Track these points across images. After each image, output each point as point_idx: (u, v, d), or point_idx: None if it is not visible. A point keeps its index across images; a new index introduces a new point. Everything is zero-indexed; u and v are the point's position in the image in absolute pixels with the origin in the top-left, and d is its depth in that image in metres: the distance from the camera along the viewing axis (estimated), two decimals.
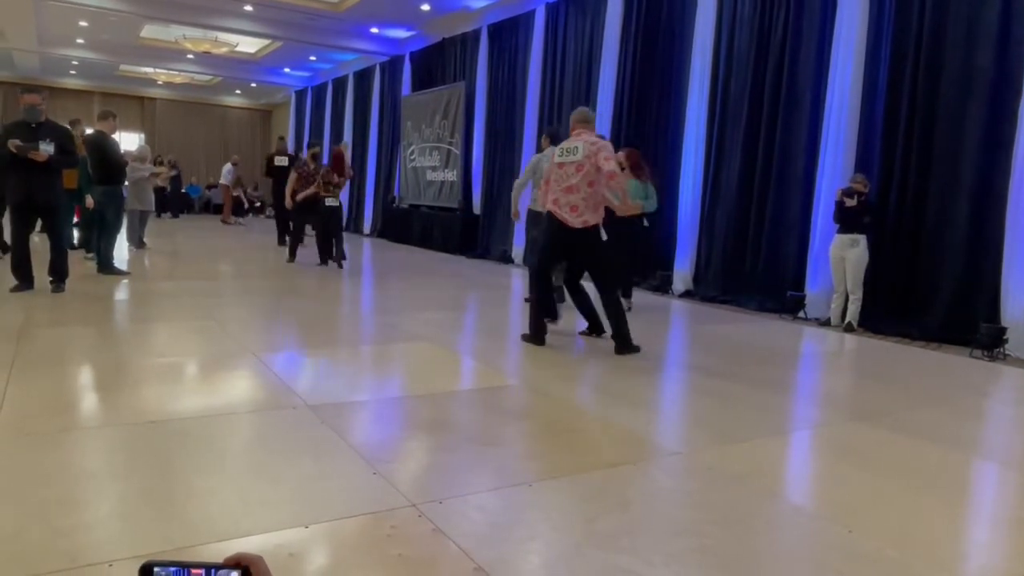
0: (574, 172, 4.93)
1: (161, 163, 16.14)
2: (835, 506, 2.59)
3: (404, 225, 14.23)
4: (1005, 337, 5.48)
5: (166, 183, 16.64)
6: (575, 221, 4.92)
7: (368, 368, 4.53)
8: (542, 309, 5.23)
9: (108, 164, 7.73)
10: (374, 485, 2.51)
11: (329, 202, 9.24)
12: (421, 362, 4.63)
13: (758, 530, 2.35)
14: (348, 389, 3.92)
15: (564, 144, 5.10)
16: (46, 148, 5.94)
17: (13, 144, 5.81)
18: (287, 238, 11.57)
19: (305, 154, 10.39)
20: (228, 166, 17.69)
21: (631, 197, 6.50)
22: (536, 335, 5.09)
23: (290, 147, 17.05)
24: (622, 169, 6.61)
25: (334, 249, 9.32)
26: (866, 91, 6.63)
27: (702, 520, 2.37)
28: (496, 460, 2.86)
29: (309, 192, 9.34)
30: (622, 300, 6.32)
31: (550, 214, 5.06)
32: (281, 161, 12.23)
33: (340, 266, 9.23)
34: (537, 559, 2.08)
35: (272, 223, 13.42)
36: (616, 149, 9.53)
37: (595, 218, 4.97)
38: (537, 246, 5.37)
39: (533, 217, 6.71)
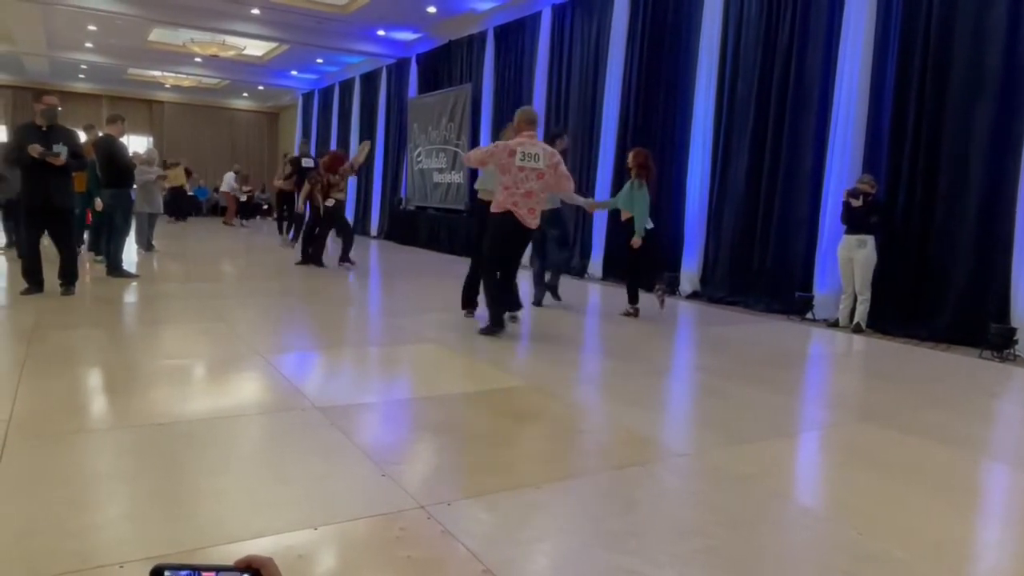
0: (535, 179, 5.19)
1: (186, 170, 16.64)
2: (843, 507, 2.58)
3: (411, 227, 14.26)
4: (1015, 338, 5.44)
5: (188, 186, 17.12)
6: (532, 223, 5.29)
7: (376, 370, 4.54)
8: (499, 301, 5.39)
9: (117, 167, 7.78)
10: (383, 487, 2.51)
11: (328, 202, 9.31)
12: (428, 364, 4.64)
13: (765, 531, 2.35)
14: (356, 391, 3.93)
15: (524, 148, 5.21)
16: (60, 151, 6.00)
17: (34, 150, 5.86)
18: (288, 230, 12.10)
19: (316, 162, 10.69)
20: (231, 175, 18.40)
21: (622, 205, 6.52)
22: (497, 324, 5.29)
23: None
24: (628, 170, 6.62)
25: (338, 248, 9.44)
26: (873, 90, 6.61)
27: (709, 521, 2.36)
28: (504, 461, 2.86)
29: (311, 196, 9.45)
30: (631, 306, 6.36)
31: (510, 215, 5.19)
32: (308, 163, 12.41)
33: (351, 262, 9.37)
34: (545, 560, 2.08)
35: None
36: (624, 150, 9.57)
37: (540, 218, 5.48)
38: (490, 244, 5.46)
39: (547, 216, 6.78)
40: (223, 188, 18.61)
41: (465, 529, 2.21)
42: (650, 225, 6.47)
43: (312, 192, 9.47)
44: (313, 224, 9.60)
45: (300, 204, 10.05)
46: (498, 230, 5.32)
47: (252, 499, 2.37)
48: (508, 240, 5.33)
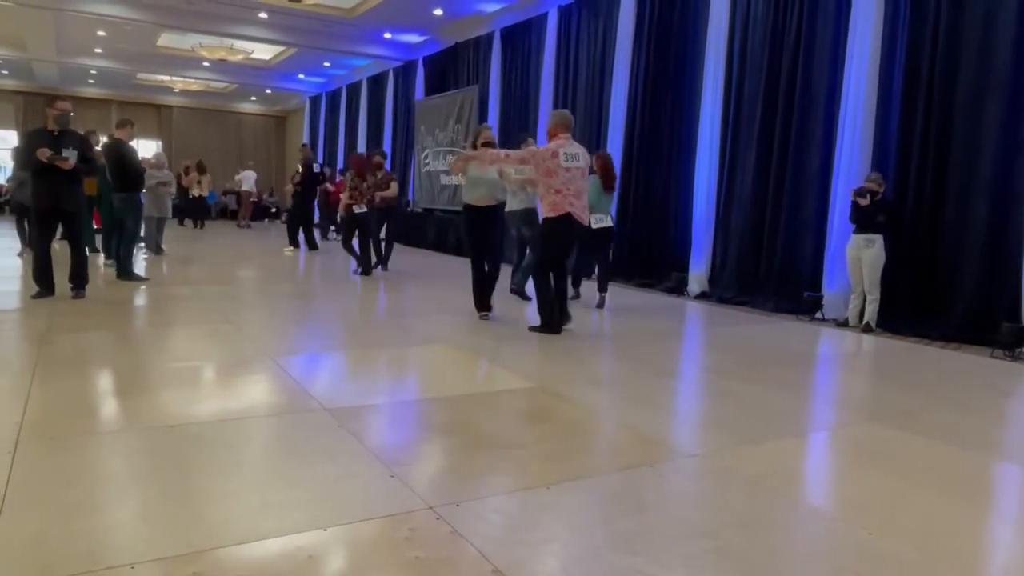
0: (579, 177, 5.44)
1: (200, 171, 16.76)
2: (854, 508, 2.57)
3: (418, 229, 14.28)
4: None
5: (205, 192, 17.18)
6: (587, 219, 5.57)
7: (385, 371, 4.55)
8: (552, 304, 5.58)
9: (126, 171, 7.82)
10: (391, 488, 2.52)
11: (356, 209, 9.20)
12: (438, 365, 4.65)
13: (776, 532, 2.34)
14: (365, 392, 3.93)
15: (565, 149, 5.39)
16: (69, 156, 6.04)
17: (43, 154, 5.90)
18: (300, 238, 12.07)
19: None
20: (251, 173, 18.48)
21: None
22: (552, 326, 5.49)
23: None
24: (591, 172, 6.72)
25: (372, 255, 9.36)
26: (881, 89, 6.58)
27: (719, 522, 2.36)
28: (513, 462, 2.86)
29: (345, 201, 9.36)
30: (572, 289, 6.77)
31: (569, 216, 5.37)
32: (317, 168, 12.43)
33: (385, 268, 9.50)
34: (554, 561, 2.08)
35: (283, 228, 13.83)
36: (631, 151, 9.55)
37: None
38: (548, 246, 5.64)
39: (523, 215, 6.93)
40: (244, 187, 18.45)
41: (474, 530, 2.21)
42: (607, 223, 6.98)
43: (349, 199, 9.33)
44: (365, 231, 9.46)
45: (342, 210, 9.78)
46: (558, 233, 5.49)
47: (262, 500, 2.38)
48: (569, 241, 5.61)
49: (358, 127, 17.55)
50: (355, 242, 9.37)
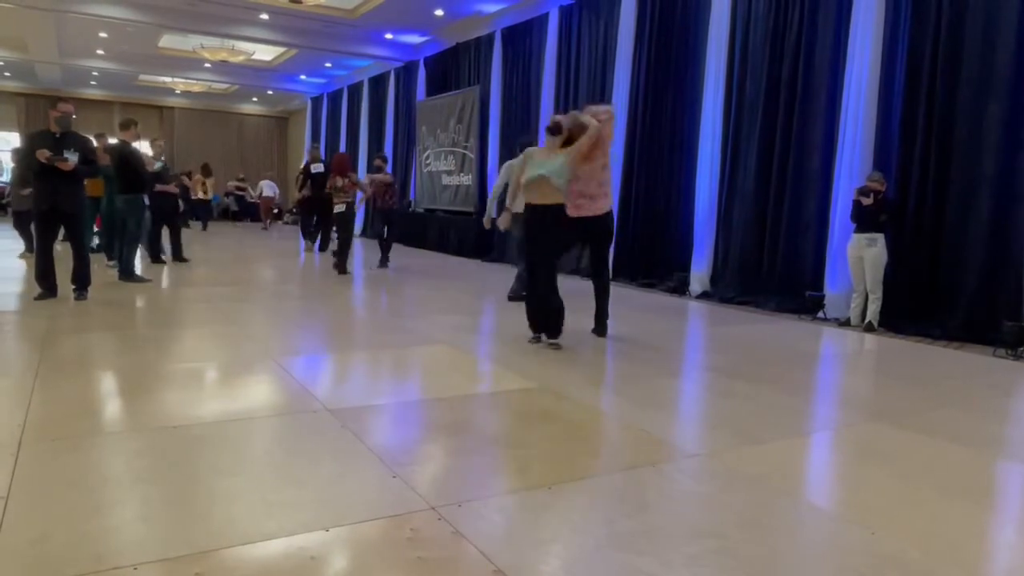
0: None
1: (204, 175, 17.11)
2: (857, 507, 2.57)
3: (420, 229, 14.29)
4: None
5: (208, 194, 17.46)
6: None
7: (387, 372, 4.55)
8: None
9: (130, 173, 7.82)
10: (394, 488, 2.52)
11: (336, 208, 9.11)
12: (440, 365, 4.65)
13: (778, 532, 2.34)
14: (367, 393, 3.94)
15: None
16: (71, 157, 6.05)
17: (42, 154, 5.91)
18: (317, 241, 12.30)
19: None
20: (271, 182, 19.37)
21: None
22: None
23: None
24: None
25: (336, 256, 9.13)
26: (883, 89, 6.57)
27: (722, 522, 2.35)
28: (515, 463, 2.87)
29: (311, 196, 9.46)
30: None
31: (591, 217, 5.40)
32: (317, 168, 12.33)
33: (344, 272, 9.02)
34: (557, 561, 2.08)
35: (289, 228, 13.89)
36: (633, 152, 9.53)
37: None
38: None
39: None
40: (266, 193, 19.15)
41: (476, 530, 2.21)
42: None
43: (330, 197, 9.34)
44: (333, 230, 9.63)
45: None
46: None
47: (264, 501, 2.38)
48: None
49: (359, 128, 17.56)
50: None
